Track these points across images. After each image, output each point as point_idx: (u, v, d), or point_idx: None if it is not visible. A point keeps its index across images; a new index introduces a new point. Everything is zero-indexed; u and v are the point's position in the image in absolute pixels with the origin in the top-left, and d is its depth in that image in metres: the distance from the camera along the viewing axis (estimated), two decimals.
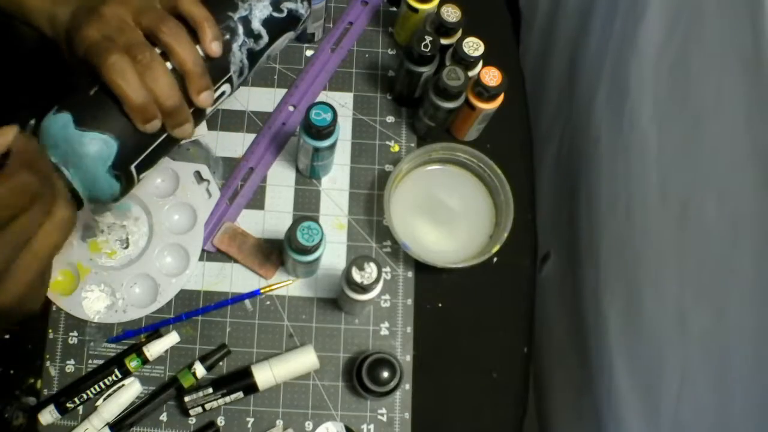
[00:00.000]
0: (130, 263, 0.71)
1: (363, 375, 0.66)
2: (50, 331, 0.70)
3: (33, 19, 0.54)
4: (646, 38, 0.73)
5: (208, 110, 0.57)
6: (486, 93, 0.70)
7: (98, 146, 0.49)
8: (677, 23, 0.68)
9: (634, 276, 0.71)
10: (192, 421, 0.69)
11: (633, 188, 0.73)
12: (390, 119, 0.80)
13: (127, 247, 0.72)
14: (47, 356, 0.69)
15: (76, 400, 0.67)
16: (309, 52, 0.82)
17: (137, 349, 0.69)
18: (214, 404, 0.67)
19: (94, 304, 0.70)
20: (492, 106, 0.72)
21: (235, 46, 0.55)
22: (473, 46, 0.71)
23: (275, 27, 0.58)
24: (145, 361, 0.68)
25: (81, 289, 0.70)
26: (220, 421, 0.69)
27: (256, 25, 0.56)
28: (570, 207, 0.89)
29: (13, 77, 0.75)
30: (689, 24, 0.66)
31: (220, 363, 0.70)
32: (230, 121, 0.78)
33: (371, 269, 0.62)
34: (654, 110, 0.71)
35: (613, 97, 0.80)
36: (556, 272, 0.93)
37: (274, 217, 0.75)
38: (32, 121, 0.51)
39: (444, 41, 0.73)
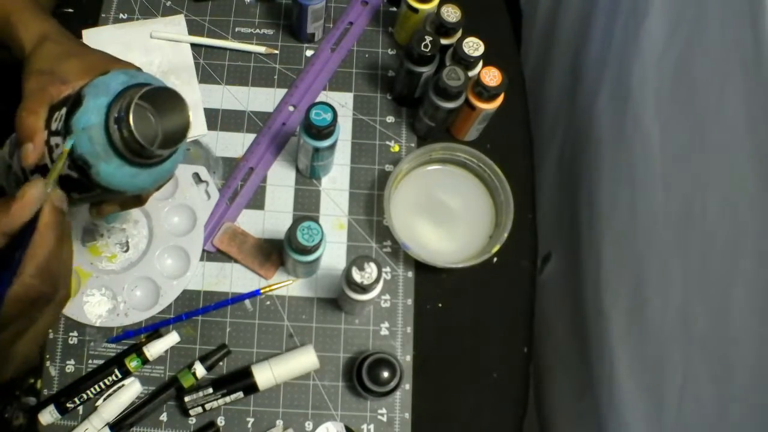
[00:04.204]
0: (131, 266, 0.71)
1: (363, 375, 0.66)
2: (50, 331, 0.70)
3: (15, 39, 0.56)
4: (649, 39, 0.73)
5: None
6: (486, 93, 0.70)
7: None
8: (680, 24, 0.68)
9: (636, 276, 0.71)
10: (192, 421, 0.69)
11: (635, 188, 0.73)
12: (390, 119, 0.80)
13: (127, 251, 0.72)
14: (47, 356, 0.69)
15: (76, 400, 0.67)
16: (309, 52, 0.82)
17: (137, 349, 0.69)
18: (214, 404, 0.67)
19: (95, 308, 0.70)
20: (492, 106, 0.72)
21: None
22: (473, 46, 0.71)
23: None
24: (145, 361, 0.68)
25: (82, 293, 0.70)
26: (220, 421, 0.69)
27: None
28: (572, 207, 0.89)
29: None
30: (692, 25, 0.66)
31: (220, 363, 0.70)
32: (230, 121, 0.78)
33: (371, 269, 0.62)
34: (656, 110, 0.71)
35: (615, 97, 0.80)
36: (558, 273, 0.93)
37: (274, 217, 0.75)
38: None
39: (444, 41, 0.73)
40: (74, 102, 0.46)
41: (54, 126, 0.48)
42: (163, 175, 0.49)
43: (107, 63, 0.53)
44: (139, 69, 0.54)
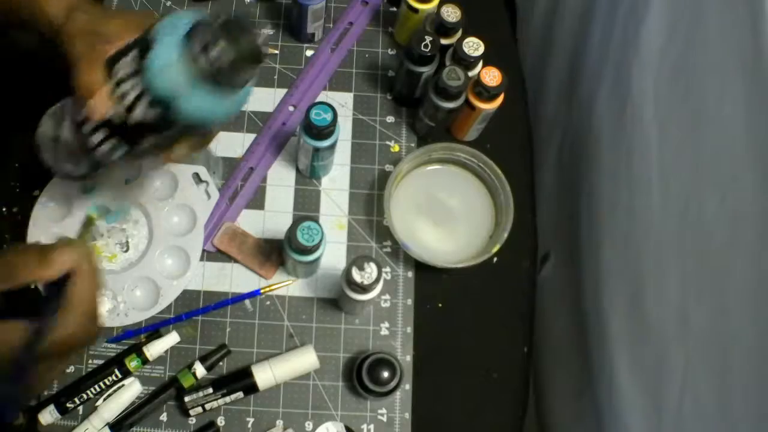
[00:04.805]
0: (131, 266, 0.71)
1: (363, 375, 0.66)
2: None
3: (41, 15, 0.56)
4: (648, 39, 0.73)
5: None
6: (486, 93, 0.70)
7: None
8: (678, 24, 0.68)
9: (635, 275, 0.71)
10: (192, 421, 0.69)
11: (634, 188, 0.73)
12: (390, 119, 0.80)
13: (127, 251, 0.72)
14: None
15: (76, 400, 0.67)
16: (309, 52, 0.82)
17: (137, 349, 0.69)
18: (214, 404, 0.67)
19: None
20: (492, 106, 0.72)
21: None
22: (473, 46, 0.71)
23: None
24: (145, 361, 0.68)
25: None
26: (220, 421, 0.69)
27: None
28: (571, 207, 0.89)
29: (9, 82, 0.76)
30: (690, 25, 0.66)
31: (220, 363, 0.70)
32: (230, 121, 0.78)
33: (371, 269, 0.62)
34: (655, 110, 0.71)
35: (614, 98, 0.80)
36: (556, 272, 0.93)
37: (274, 217, 0.75)
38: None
39: (444, 41, 0.73)
40: (145, 44, 0.47)
41: (121, 74, 0.49)
42: (241, 102, 0.52)
43: (147, 19, 0.54)
44: None
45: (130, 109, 0.49)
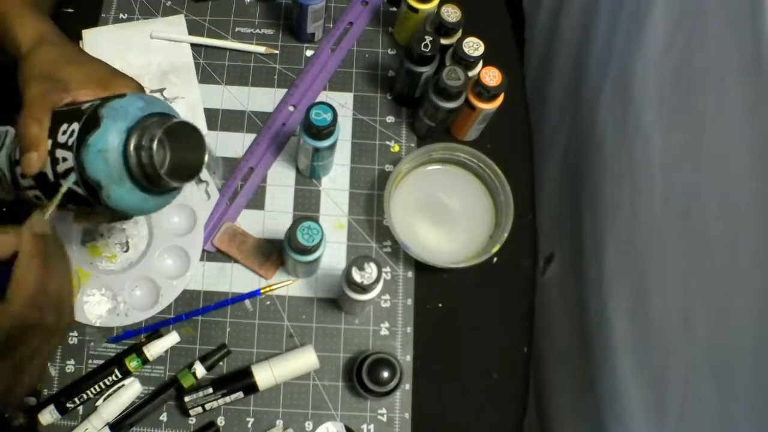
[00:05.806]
0: (131, 266, 0.71)
1: (363, 375, 0.66)
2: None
3: (11, 38, 0.56)
4: (651, 41, 0.73)
5: None
6: (486, 93, 0.70)
7: None
8: (680, 26, 0.68)
9: (638, 277, 0.71)
10: (192, 421, 0.69)
11: (637, 189, 0.73)
12: (390, 119, 0.80)
13: (127, 251, 0.72)
14: None
15: (76, 400, 0.67)
16: (309, 52, 0.82)
17: (137, 349, 0.69)
18: (214, 404, 0.67)
19: (95, 308, 0.70)
20: (492, 106, 0.72)
21: None
22: (473, 46, 0.71)
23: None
24: (145, 361, 0.68)
25: (82, 293, 0.70)
26: (220, 421, 0.69)
27: None
28: (575, 208, 0.89)
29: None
30: (692, 26, 0.66)
31: (220, 363, 0.70)
32: (230, 121, 0.78)
33: (371, 269, 0.62)
34: (658, 112, 0.71)
35: (617, 99, 0.80)
36: (561, 273, 0.93)
37: (274, 217, 0.75)
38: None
39: (444, 41, 0.73)
40: (89, 121, 0.46)
41: (62, 139, 0.48)
42: (169, 201, 0.51)
43: (108, 76, 0.53)
44: (141, 87, 0.54)
45: (60, 176, 0.48)
